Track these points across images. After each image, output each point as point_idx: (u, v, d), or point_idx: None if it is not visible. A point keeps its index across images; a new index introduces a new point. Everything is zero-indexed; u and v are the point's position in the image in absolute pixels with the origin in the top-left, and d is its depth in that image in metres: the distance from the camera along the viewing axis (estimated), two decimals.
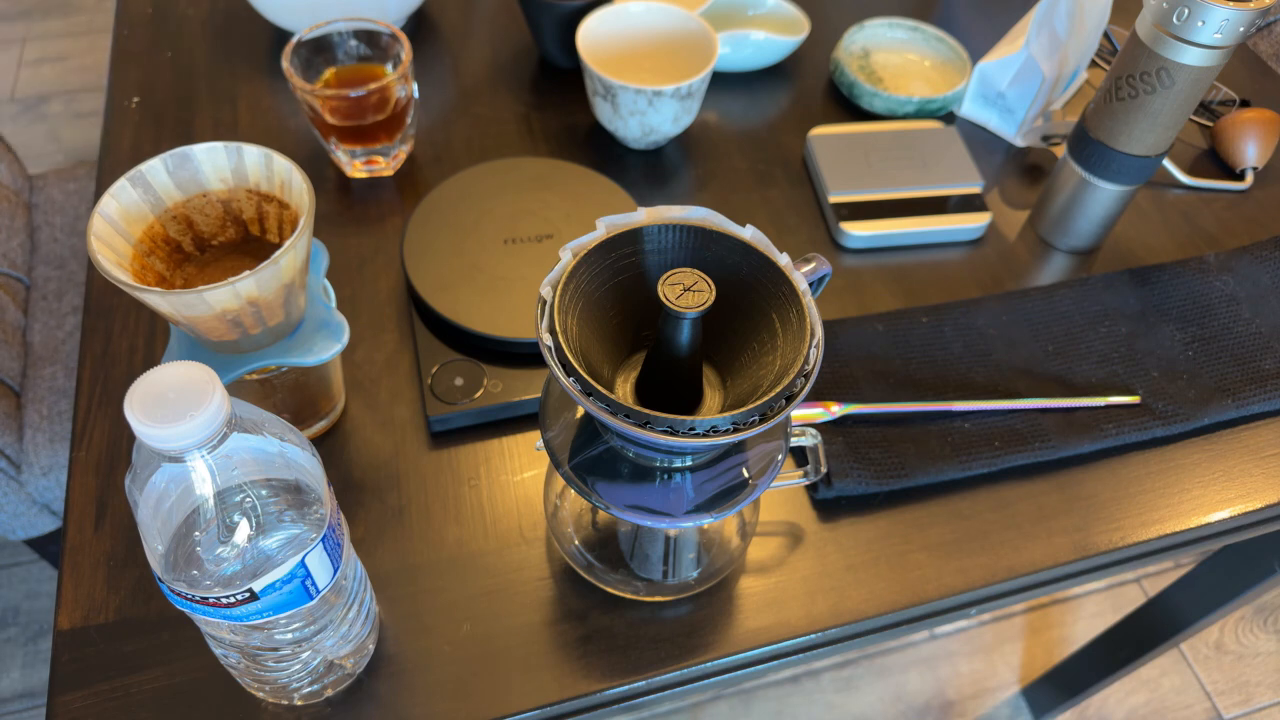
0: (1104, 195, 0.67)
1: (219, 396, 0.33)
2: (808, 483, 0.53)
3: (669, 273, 0.36)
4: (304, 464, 0.39)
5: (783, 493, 0.57)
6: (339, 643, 0.45)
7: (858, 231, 0.69)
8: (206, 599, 0.37)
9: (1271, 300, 0.67)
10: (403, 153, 0.72)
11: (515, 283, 0.61)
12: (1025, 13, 0.91)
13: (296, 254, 0.45)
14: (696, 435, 0.35)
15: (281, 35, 0.83)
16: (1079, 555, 0.55)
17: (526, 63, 0.82)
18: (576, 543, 0.52)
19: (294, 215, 0.48)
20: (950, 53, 0.83)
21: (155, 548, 0.36)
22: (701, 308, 0.36)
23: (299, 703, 0.47)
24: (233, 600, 0.37)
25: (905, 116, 0.79)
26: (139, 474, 0.35)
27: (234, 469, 0.35)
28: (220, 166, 0.48)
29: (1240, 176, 0.77)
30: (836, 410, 0.58)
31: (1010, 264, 0.70)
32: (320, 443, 0.57)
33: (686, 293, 0.36)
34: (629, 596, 0.52)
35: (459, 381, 0.58)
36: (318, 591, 0.40)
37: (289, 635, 0.41)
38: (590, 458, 0.42)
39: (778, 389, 0.36)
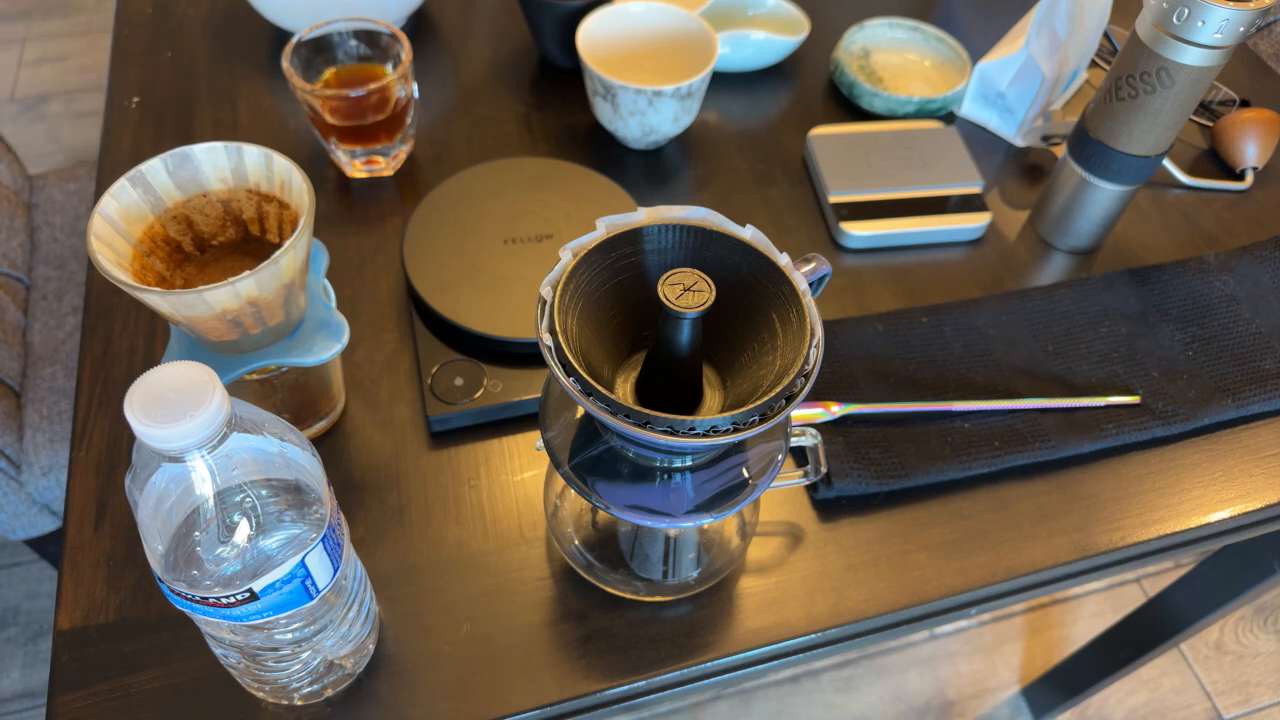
0: (1104, 195, 0.67)
1: (219, 396, 0.33)
2: (808, 483, 0.53)
3: (669, 273, 0.36)
4: (304, 464, 0.39)
5: (783, 493, 0.57)
6: (339, 643, 0.45)
7: (858, 231, 0.69)
8: (206, 599, 0.37)
9: (1271, 300, 0.67)
10: (403, 153, 0.72)
11: (515, 283, 0.61)
12: (1025, 13, 0.91)
13: (296, 254, 0.45)
14: (696, 435, 0.35)
15: (281, 35, 0.83)
16: (1079, 555, 0.55)
17: (526, 63, 0.82)
18: (576, 543, 0.52)
19: (294, 215, 0.48)
20: (950, 53, 0.83)
21: (155, 548, 0.36)
22: (701, 308, 0.36)
23: (299, 703, 0.47)
24: (233, 600, 0.37)
25: (905, 116, 0.79)
26: (139, 474, 0.35)
27: (234, 469, 0.35)
28: (220, 166, 0.48)
29: (1240, 176, 0.77)
30: (836, 410, 0.58)
31: (1010, 264, 0.70)
32: (320, 443, 0.57)
33: (686, 293, 0.36)
34: (629, 596, 0.52)
35: (459, 381, 0.58)
36: (318, 591, 0.40)
37: (289, 635, 0.41)
38: (590, 458, 0.42)
39: (778, 389, 0.36)
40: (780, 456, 0.43)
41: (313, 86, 0.65)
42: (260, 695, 0.47)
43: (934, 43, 0.83)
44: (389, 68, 0.70)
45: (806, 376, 0.37)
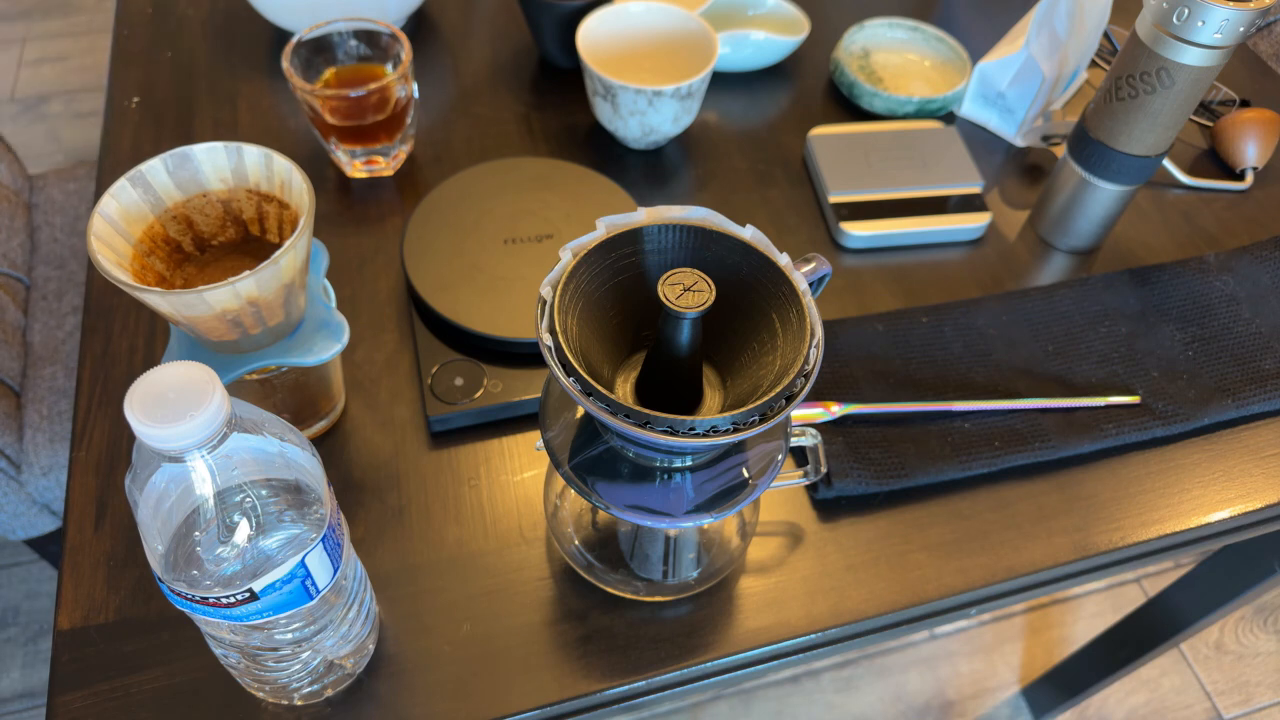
0: (1104, 195, 0.67)
1: (219, 396, 0.33)
2: (808, 483, 0.53)
3: (669, 273, 0.36)
4: (304, 464, 0.39)
5: (783, 493, 0.57)
6: (339, 643, 0.45)
7: (858, 231, 0.69)
8: (206, 599, 0.37)
9: (1271, 300, 0.67)
10: (403, 153, 0.72)
11: (515, 283, 0.61)
12: (1025, 13, 0.91)
13: (296, 254, 0.45)
14: (696, 435, 0.35)
15: (281, 35, 0.83)
16: (1079, 555, 0.55)
17: (526, 63, 0.82)
18: (576, 543, 0.52)
19: (294, 215, 0.48)
20: (950, 53, 0.83)
21: (155, 548, 0.36)
22: (701, 308, 0.36)
23: (299, 703, 0.47)
24: (233, 600, 0.37)
25: (905, 116, 0.79)
26: (139, 474, 0.35)
27: (234, 469, 0.35)
28: (220, 166, 0.48)
29: (1240, 176, 0.77)
30: (836, 410, 0.58)
31: (1010, 264, 0.70)
32: (320, 443, 0.57)
33: (686, 293, 0.36)
34: (629, 596, 0.52)
35: (459, 381, 0.58)
36: (318, 591, 0.40)
37: (289, 635, 0.41)
38: (590, 458, 0.42)
39: (778, 389, 0.36)
40: (780, 456, 0.43)
41: (313, 86, 0.65)
42: (260, 695, 0.47)
43: (934, 43, 0.83)
44: (389, 68, 0.70)
45: (806, 376, 0.37)
